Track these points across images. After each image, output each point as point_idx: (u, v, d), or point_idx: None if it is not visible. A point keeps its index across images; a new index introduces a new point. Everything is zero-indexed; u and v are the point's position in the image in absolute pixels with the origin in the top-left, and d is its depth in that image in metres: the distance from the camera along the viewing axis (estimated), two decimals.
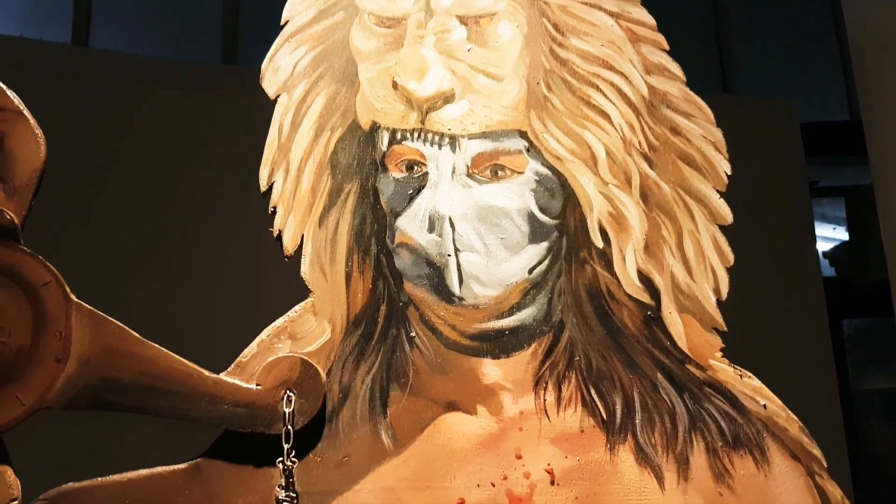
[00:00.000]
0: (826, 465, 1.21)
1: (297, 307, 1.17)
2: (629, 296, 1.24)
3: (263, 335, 1.14)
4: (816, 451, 1.21)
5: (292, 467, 1.06)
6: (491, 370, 1.19)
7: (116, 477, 1.05)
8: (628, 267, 1.24)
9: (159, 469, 1.06)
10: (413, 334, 1.19)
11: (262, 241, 1.17)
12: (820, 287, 2.84)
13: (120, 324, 1.06)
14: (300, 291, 1.17)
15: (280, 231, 1.19)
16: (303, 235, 1.19)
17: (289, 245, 1.18)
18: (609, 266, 1.24)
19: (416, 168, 1.23)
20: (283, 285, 1.17)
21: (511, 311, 1.21)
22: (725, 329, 1.25)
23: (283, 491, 1.04)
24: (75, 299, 1.06)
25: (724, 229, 1.28)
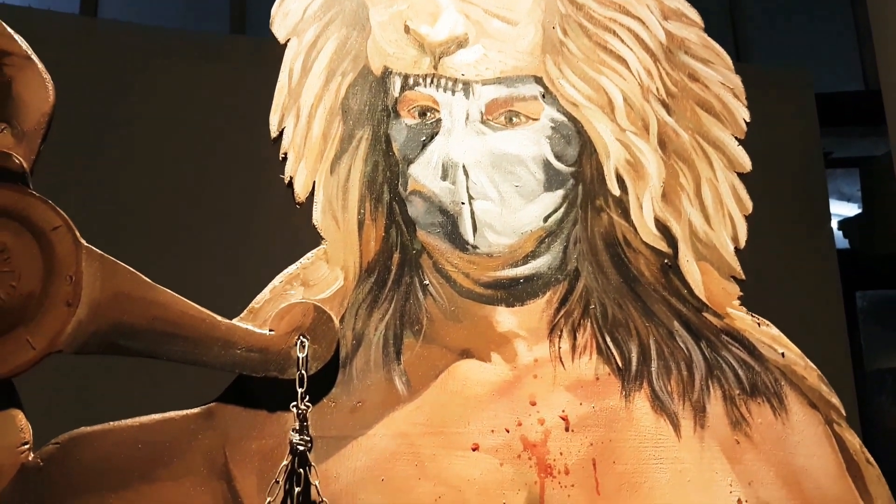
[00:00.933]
0: (845, 415, 1.20)
1: (309, 254, 1.15)
2: (646, 244, 1.22)
3: (276, 282, 1.13)
4: (835, 400, 1.20)
5: (306, 411, 1.05)
6: (505, 318, 1.17)
7: (129, 421, 1.04)
8: (645, 215, 1.22)
9: (172, 414, 1.05)
10: (427, 282, 1.17)
11: (273, 188, 1.15)
12: (834, 259, 2.82)
13: (131, 269, 1.05)
14: (312, 239, 1.15)
15: (291, 178, 1.17)
16: (314, 182, 1.17)
17: (300, 192, 1.17)
18: (626, 214, 1.22)
19: (428, 114, 1.21)
20: (295, 233, 1.16)
21: (526, 260, 1.20)
22: (743, 277, 1.23)
23: (297, 435, 1.03)
24: (86, 244, 1.05)
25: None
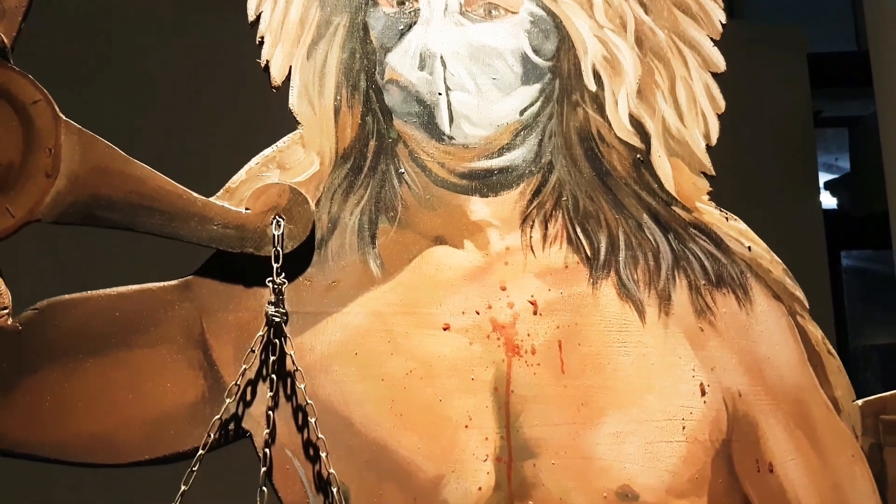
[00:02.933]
0: (808, 307, 1.23)
1: (285, 138, 1.17)
2: (619, 139, 1.24)
3: (252, 164, 1.15)
4: (799, 293, 1.23)
5: (282, 286, 1.07)
6: (479, 207, 1.20)
7: (107, 291, 1.06)
8: (620, 111, 1.24)
9: (150, 285, 1.08)
10: (402, 170, 1.19)
11: (249, 71, 1.16)
12: (820, 219, 2.85)
13: (109, 143, 1.07)
14: (289, 123, 1.17)
15: (268, 62, 1.18)
16: (290, 67, 1.18)
17: (276, 76, 1.18)
18: (601, 109, 1.24)
19: (407, 3, 1.21)
20: (272, 117, 1.17)
21: (501, 152, 1.22)
22: (714, 173, 1.25)
23: (273, 307, 1.06)
24: (65, 118, 1.06)
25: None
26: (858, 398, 1.24)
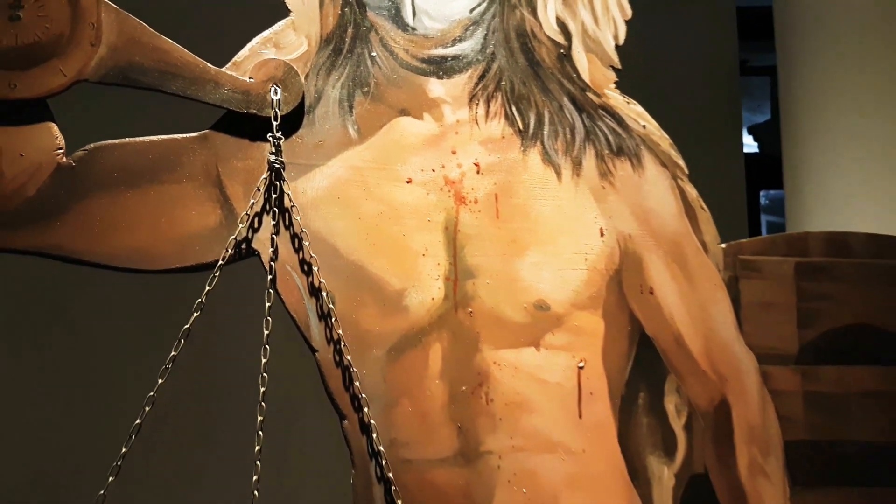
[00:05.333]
0: (687, 172, 1.59)
1: (280, 23, 1.43)
2: (548, 36, 1.55)
3: (253, 42, 1.42)
4: (681, 162, 1.59)
5: (279, 141, 1.36)
6: (436, 87, 1.50)
7: (141, 138, 1.34)
8: (549, 13, 1.55)
9: (175, 136, 1.36)
10: (374, 54, 1.48)
11: None
12: (741, 160, 3.21)
13: (140, 21, 1.32)
14: (282, 11, 1.44)
15: None
16: None
17: None
18: (534, 12, 1.54)
19: None
20: (269, 5, 1.43)
21: (454, 43, 1.51)
22: (620, 67, 1.58)
23: (274, 156, 1.35)
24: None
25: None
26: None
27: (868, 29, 2.88)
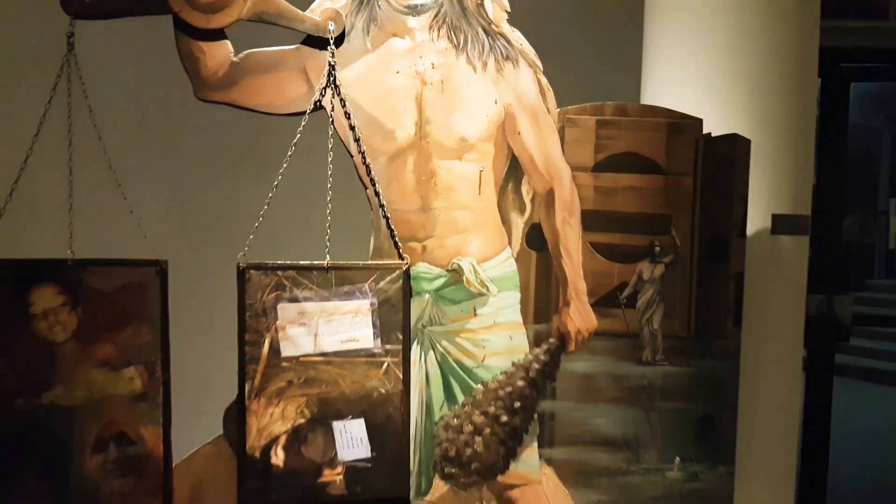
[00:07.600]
0: (542, 69, 3.02)
1: None
2: None
3: None
4: (539, 63, 3.01)
5: (334, 49, 2.72)
6: (411, 21, 2.85)
7: (268, 48, 2.72)
8: None
9: (284, 47, 2.74)
10: (380, 4, 2.84)
11: None
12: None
13: None
14: None
15: None
16: None
17: None
18: None
19: None
20: None
21: None
22: (510, 9, 2.96)
23: (332, 58, 2.73)
24: None
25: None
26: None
27: None
